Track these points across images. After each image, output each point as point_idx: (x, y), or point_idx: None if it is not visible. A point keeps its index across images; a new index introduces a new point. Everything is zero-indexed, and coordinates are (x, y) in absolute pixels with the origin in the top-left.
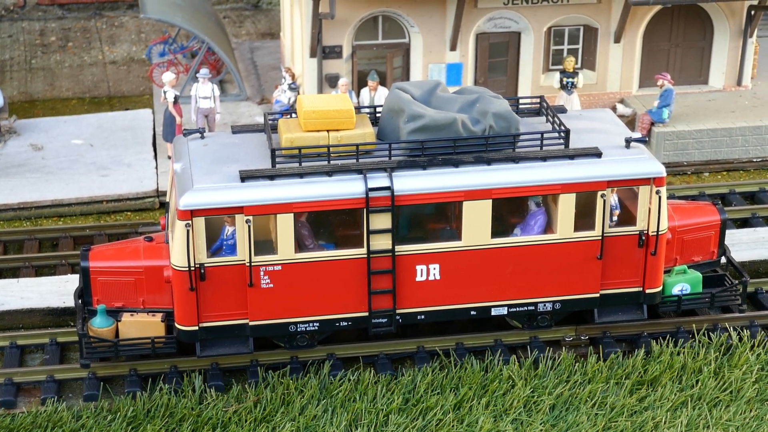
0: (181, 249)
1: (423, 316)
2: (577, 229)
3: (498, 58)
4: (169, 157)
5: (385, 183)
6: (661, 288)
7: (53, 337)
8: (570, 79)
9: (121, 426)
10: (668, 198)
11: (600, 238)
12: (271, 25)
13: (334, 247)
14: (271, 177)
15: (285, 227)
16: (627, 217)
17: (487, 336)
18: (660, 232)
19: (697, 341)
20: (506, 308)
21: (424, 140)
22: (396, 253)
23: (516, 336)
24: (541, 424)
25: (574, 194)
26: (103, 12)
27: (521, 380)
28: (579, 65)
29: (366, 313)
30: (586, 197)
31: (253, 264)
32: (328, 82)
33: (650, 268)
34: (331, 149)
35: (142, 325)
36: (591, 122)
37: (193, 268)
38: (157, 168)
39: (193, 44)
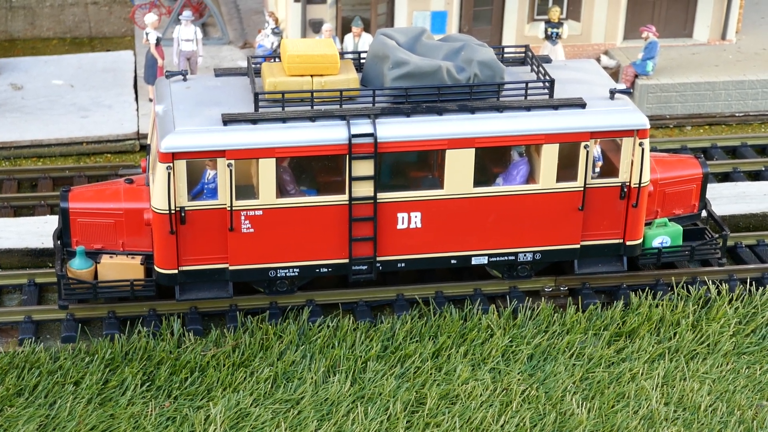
0: (162, 192)
1: (403, 264)
2: (559, 179)
3: (483, 6)
4: (151, 100)
5: (369, 129)
6: (641, 240)
7: (31, 278)
8: (555, 30)
9: (98, 368)
10: (651, 151)
11: (582, 189)
12: None
13: (315, 193)
14: (254, 121)
15: (267, 172)
16: (609, 168)
17: (466, 285)
18: (642, 185)
19: (675, 294)
20: (487, 258)
21: (408, 87)
22: (378, 201)
23: (495, 285)
24: (518, 373)
25: (558, 144)
26: None
27: (500, 330)
28: (564, 16)
29: (346, 260)
30: (569, 148)
31: (234, 208)
32: (312, 27)
33: (631, 220)
34: (315, 94)
35: (121, 268)
36: (576, 73)
37: (173, 212)
38: (137, 110)
39: None
